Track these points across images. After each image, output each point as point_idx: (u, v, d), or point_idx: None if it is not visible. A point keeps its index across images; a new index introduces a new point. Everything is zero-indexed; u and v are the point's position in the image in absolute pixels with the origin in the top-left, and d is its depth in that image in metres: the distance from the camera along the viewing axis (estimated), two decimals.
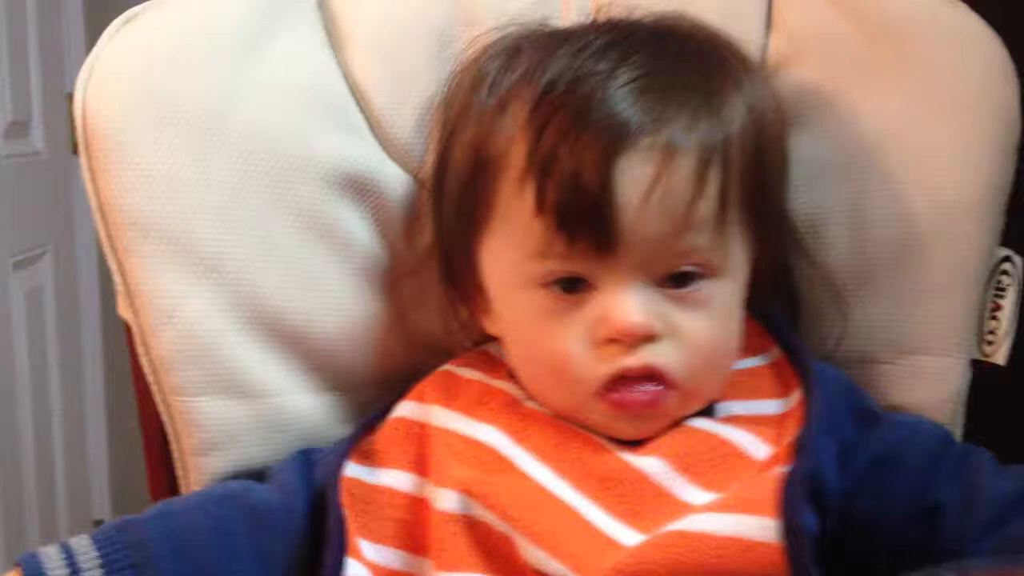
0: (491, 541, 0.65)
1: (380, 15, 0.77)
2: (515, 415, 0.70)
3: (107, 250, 0.71)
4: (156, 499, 0.75)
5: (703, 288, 0.67)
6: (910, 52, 0.75)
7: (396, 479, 0.69)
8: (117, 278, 0.72)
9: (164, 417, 0.73)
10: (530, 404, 0.70)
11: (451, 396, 0.71)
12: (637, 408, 0.66)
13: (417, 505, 0.68)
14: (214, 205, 0.71)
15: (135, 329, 0.72)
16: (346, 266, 0.75)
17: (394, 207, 0.76)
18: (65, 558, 0.65)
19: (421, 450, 0.70)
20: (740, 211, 0.67)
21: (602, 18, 0.75)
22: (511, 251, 0.68)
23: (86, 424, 2.05)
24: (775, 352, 0.73)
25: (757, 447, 0.67)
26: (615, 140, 0.64)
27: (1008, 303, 0.76)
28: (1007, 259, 0.76)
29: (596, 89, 0.65)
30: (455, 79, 0.74)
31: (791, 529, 0.61)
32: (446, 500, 0.67)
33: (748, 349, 0.72)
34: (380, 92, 0.76)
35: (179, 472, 0.74)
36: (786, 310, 0.76)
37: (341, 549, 0.66)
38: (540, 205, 0.65)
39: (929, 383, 0.74)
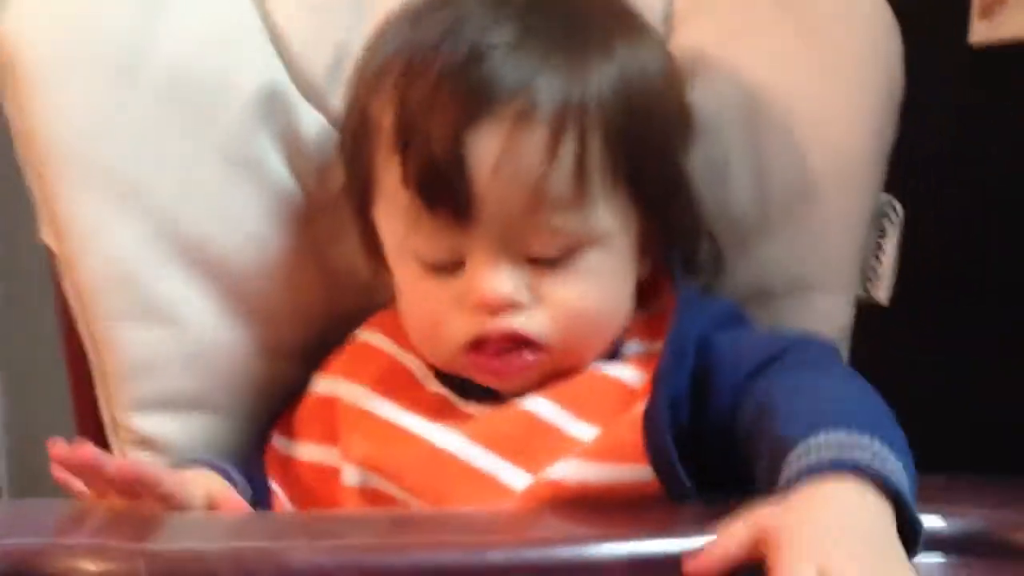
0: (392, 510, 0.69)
1: None
2: (413, 392, 0.73)
3: (30, 177, 0.74)
4: (82, 429, 0.78)
5: (573, 259, 0.69)
6: (803, 11, 0.80)
7: (310, 452, 0.74)
8: (40, 205, 0.74)
9: (87, 344, 0.75)
10: (432, 386, 0.74)
11: (358, 369, 0.75)
12: (495, 370, 0.70)
13: (328, 476, 0.72)
14: (135, 137, 0.74)
15: (58, 255, 0.74)
16: (264, 200, 0.77)
17: (307, 145, 0.79)
18: None
19: (332, 424, 0.74)
20: (608, 177, 0.69)
21: None
22: (393, 222, 0.71)
23: None
24: (669, 295, 0.75)
25: (637, 380, 0.70)
26: (467, 109, 0.65)
27: (889, 246, 0.81)
28: (889, 204, 0.81)
29: (459, 53, 0.66)
30: (369, 37, 0.76)
31: (661, 468, 0.63)
32: (348, 474, 0.71)
33: (653, 296, 0.75)
34: (297, 35, 0.79)
35: (101, 402, 0.76)
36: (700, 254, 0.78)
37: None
38: (404, 179, 0.67)
39: (822, 317, 0.79)
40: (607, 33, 0.71)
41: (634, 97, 0.70)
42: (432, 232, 0.68)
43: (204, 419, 0.77)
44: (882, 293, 0.81)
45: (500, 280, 0.67)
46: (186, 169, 0.75)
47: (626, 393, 0.69)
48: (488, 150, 0.66)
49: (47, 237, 0.75)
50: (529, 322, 0.68)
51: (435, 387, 0.74)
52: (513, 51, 0.67)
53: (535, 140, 0.66)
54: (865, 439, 0.54)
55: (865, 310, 0.81)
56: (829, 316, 0.80)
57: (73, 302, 0.75)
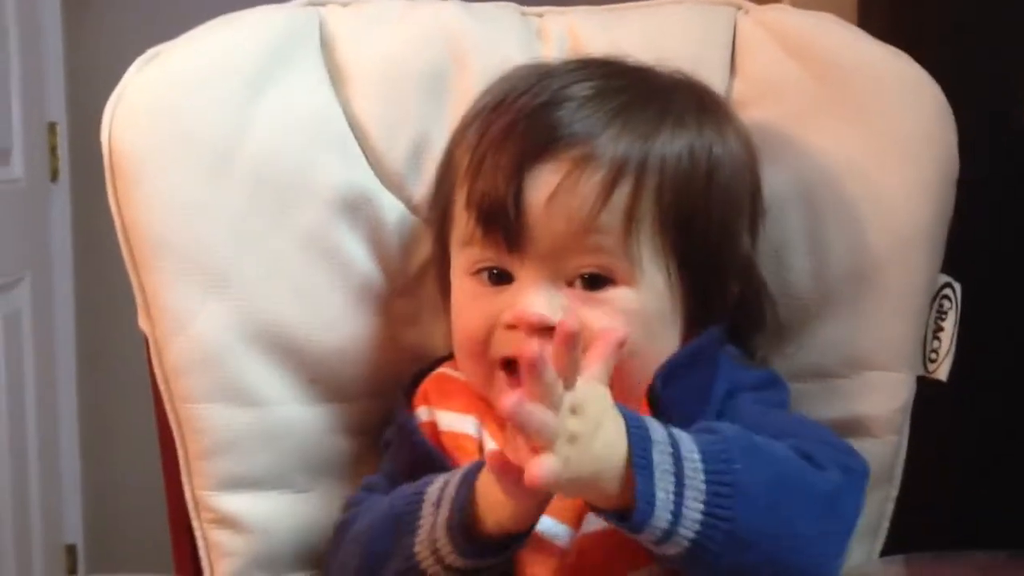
0: None
1: (378, 56, 0.84)
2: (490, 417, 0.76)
3: (128, 265, 0.78)
4: (172, 499, 0.81)
5: (612, 293, 0.72)
6: (860, 97, 0.82)
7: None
8: (137, 292, 0.78)
9: (172, 423, 0.78)
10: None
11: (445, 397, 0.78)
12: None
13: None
14: (226, 227, 0.77)
15: (151, 339, 0.78)
16: (344, 285, 0.81)
17: (389, 232, 0.82)
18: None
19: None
20: (658, 235, 0.73)
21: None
22: (456, 242, 0.76)
23: (59, 449, 2.08)
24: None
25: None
26: (532, 148, 0.72)
27: (949, 325, 0.83)
28: (948, 285, 0.83)
29: (539, 100, 0.73)
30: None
31: None
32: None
33: None
34: (376, 127, 0.82)
35: (184, 477, 0.79)
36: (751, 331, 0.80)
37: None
38: (468, 200, 0.74)
39: (881, 396, 0.81)
40: (684, 110, 0.75)
41: (697, 171, 0.74)
42: (484, 252, 0.74)
43: (283, 497, 0.80)
44: (942, 372, 0.83)
45: (537, 301, 0.71)
46: (271, 257, 0.78)
47: None
48: (544, 186, 0.71)
49: (142, 322, 0.78)
50: None
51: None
52: (586, 104, 0.73)
53: (591, 184, 0.71)
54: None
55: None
56: (888, 395, 0.81)
57: (161, 384, 0.78)
